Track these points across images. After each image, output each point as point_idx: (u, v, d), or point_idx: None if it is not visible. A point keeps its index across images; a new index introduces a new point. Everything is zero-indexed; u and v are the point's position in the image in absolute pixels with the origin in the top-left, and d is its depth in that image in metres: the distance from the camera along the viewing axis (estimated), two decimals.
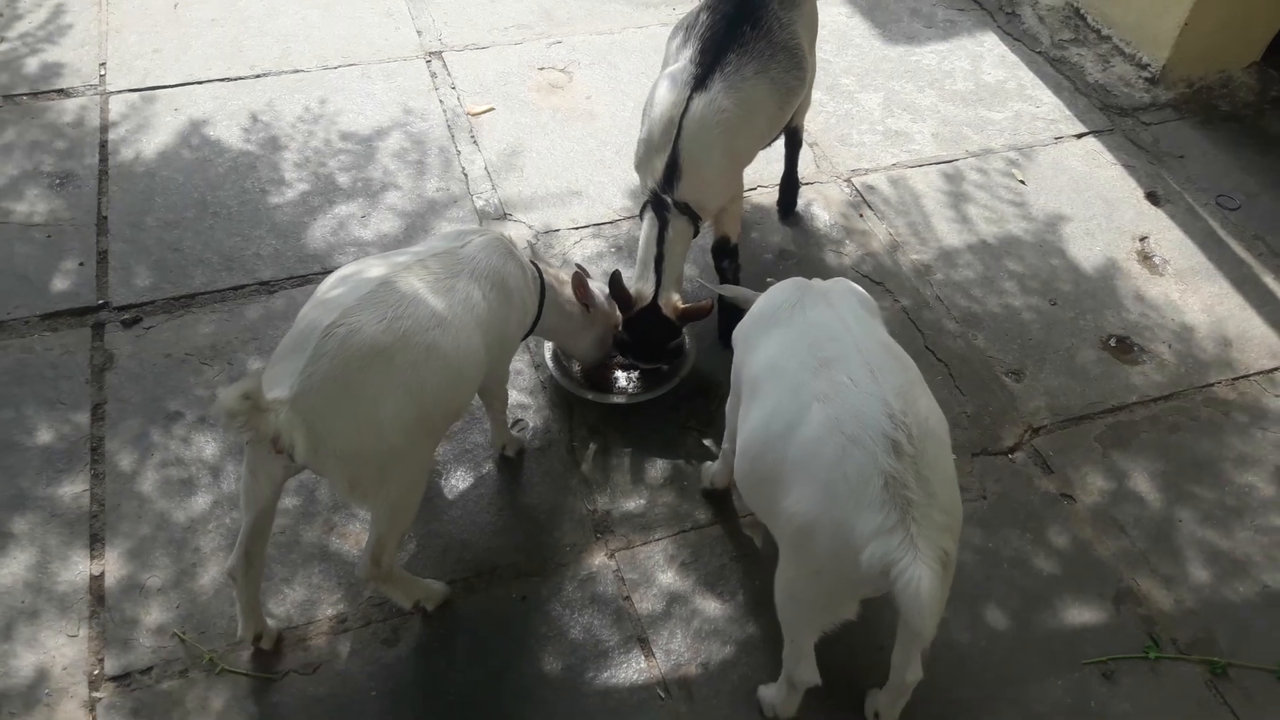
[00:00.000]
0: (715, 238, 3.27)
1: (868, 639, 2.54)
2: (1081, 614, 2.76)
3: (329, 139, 4.09)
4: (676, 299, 3.01)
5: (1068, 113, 4.44)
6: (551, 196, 3.93)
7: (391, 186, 3.91)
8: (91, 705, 2.49)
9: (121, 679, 2.55)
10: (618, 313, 3.01)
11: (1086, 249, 3.82)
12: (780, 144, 3.72)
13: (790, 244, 3.78)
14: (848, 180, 4.05)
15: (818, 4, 3.41)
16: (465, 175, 3.98)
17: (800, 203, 3.92)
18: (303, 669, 2.58)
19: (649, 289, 2.98)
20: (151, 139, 4.01)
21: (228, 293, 3.50)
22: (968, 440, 3.15)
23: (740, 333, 2.52)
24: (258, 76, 4.35)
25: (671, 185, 2.94)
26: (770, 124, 3.13)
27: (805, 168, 4.05)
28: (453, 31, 4.69)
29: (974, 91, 4.53)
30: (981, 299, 3.60)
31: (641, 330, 3.00)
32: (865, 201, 3.96)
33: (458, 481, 2.99)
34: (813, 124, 4.28)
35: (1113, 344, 3.47)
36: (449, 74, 4.45)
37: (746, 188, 3.89)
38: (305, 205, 3.80)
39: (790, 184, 3.84)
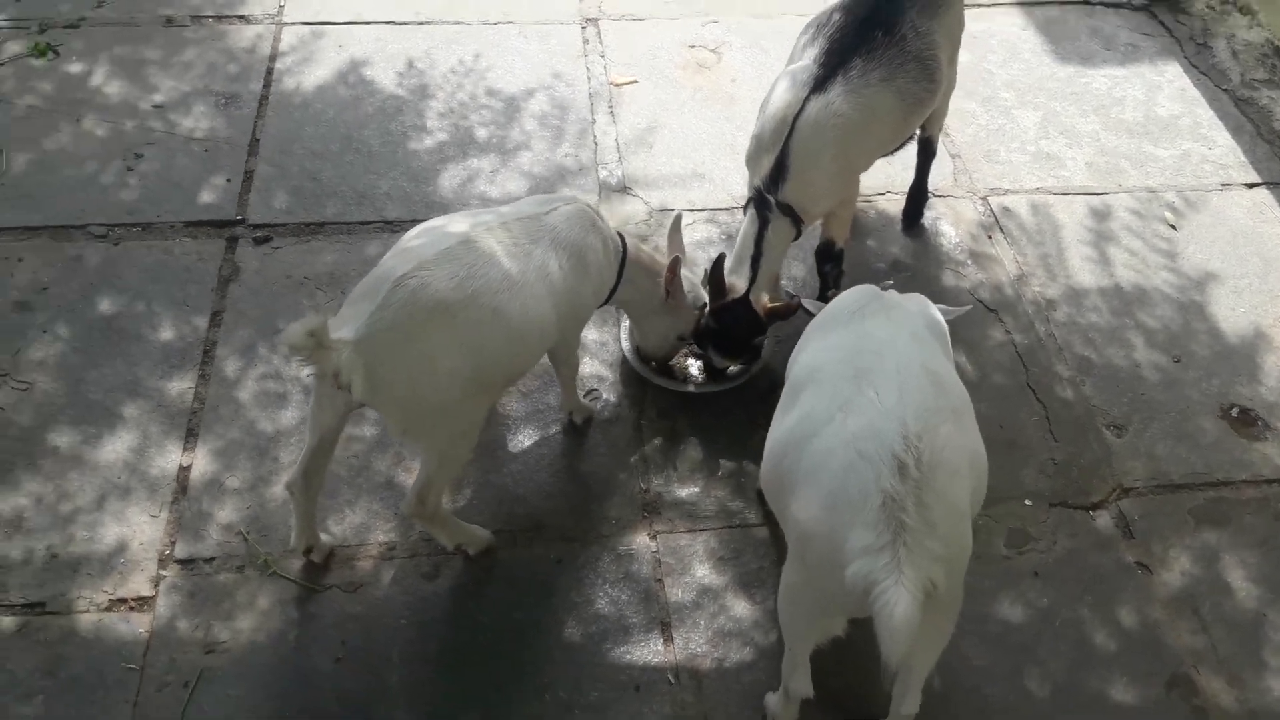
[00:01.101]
0: (821, 240, 3.22)
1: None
2: (1127, 692, 2.60)
3: (475, 93, 4.23)
4: (766, 298, 2.99)
5: (1243, 159, 4.10)
6: (675, 176, 3.94)
7: (525, 148, 4.00)
8: (156, 581, 2.72)
9: (187, 563, 2.76)
10: (695, 312, 3.00)
11: (1230, 310, 3.54)
12: (913, 151, 3.60)
13: (907, 257, 3.66)
14: (984, 199, 3.89)
15: (965, 12, 3.27)
16: (596, 145, 4.03)
17: (928, 216, 3.79)
18: (345, 586, 2.73)
19: (742, 284, 2.97)
20: (313, 72, 4.25)
21: (354, 226, 3.69)
22: (1049, 488, 3.00)
23: (806, 331, 2.49)
24: (420, 24, 4.52)
25: (777, 186, 2.91)
26: (892, 134, 3.05)
27: (942, 180, 3.91)
28: (613, 0, 4.74)
29: (1142, 123, 4.25)
30: (1101, 346, 3.40)
31: (729, 321, 2.99)
32: (998, 224, 3.79)
33: (523, 439, 3.07)
34: (960, 135, 4.12)
35: (1234, 414, 3.22)
36: (601, 42, 4.51)
37: (874, 192, 3.82)
38: (441, 154, 3.95)
39: (918, 194, 3.72)
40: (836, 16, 2.98)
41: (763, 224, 2.94)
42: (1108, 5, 4.89)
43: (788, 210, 2.93)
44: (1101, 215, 3.85)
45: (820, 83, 2.87)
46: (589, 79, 4.32)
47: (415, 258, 2.29)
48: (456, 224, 2.45)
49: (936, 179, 3.91)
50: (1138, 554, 2.88)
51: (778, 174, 2.89)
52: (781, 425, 2.20)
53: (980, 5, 4.81)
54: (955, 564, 1.91)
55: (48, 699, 2.50)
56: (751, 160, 3.01)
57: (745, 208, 3.02)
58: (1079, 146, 4.13)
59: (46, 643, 2.59)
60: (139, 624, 2.64)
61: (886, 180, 3.88)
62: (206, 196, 3.75)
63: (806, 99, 2.86)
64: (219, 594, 2.70)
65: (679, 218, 3.01)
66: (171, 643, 2.60)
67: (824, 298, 3.29)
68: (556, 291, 2.49)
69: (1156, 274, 3.64)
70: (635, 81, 4.35)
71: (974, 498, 2.09)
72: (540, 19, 4.60)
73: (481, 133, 4.06)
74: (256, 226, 3.66)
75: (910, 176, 3.75)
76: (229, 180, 3.81)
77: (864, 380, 2.03)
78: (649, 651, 2.63)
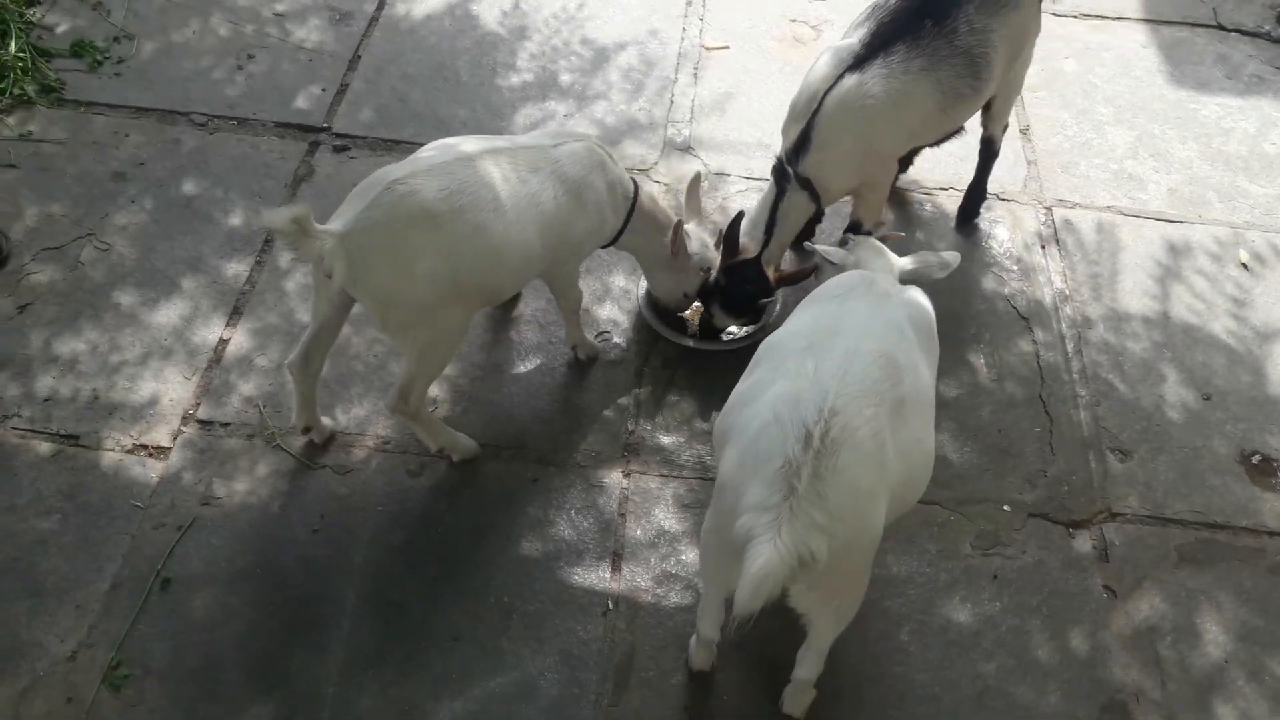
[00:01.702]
0: (851, 218, 3.23)
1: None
2: (1056, 708, 2.57)
3: (569, 40, 4.37)
4: (775, 265, 3.04)
5: None
6: (740, 144, 3.99)
7: (603, 98, 4.12)
8: (176, 435, 2.99)
9: (205, 424, 3.03)
10: (700, 273, 3.07)
11: None
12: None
13: (949, 249, 3.61)
14: (1049, 209, 3.80)
15: (1040, 18, 3.20)
16: (672, 103, 4.12)
17: (985, 217, 3.73)
18: (337, 468, 2.95)
19: (755, 246, 3.03)
20: (425, 1, 4.47)
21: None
22: (1032, 498, 2.96)
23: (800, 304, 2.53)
24: None
25: (798, 157, 2.94)
26: (925, 125, 3.02)
27: (1011, 184, 3.84)
28: None
29: (1244, 158, 4.04)
30: (1128, 374, 3.30)
31: (738, 280, 3.05)
32: (1056, 236, 3.70)
33: (528, 365, 3.22)
34: (1043, 142, 4.02)
35: (1255, 460, 3.08)
36: (704, 5, 4.57)
37: (936, 185, 3.78)
38: (522, 93, 4.11)
39: (975, 194, 3.66)
40: (891, 2, 2.97)
41: (779, 194, 2.98)
42: (1245, 33, 4.64)
43: (806, 184, 2.96)
44: (1171, 245, 3.70)
45: (859, 62, 2.88)
46: (682, 39, 4.40)
47: (412, 167, 2.46)
48: (468, 144, 2.59)
49: (1006, 182, 3.84)
50: (1108, 578, 2.82)
51: (800, 146, 2.93)
52: (737, 387, 2.27)
53: (1103, 16, 4.64)
54: (846, 541, 1.91)
55: (63, 518, 2.80)
56: (785, 128, 3.06)
57: (772, 173, 3.07)
58: (1167, 172, 3.97)
59: (73, 470, 2.90)
60: (152, 470, 2.92)
61: (952, 175, 3.84)
62: (301, 102, 4.02)
63: (841, 76, 2.87)
64: (226, 456, 2.96)
65: (698, 176, 3.07)
66: (175, 490, 2.88)
67: None
68: (545, 220, 2.61)
69: (1214, 315, 3.49)
70: (727, 47, 4.40)
71: (901, 490, 2.11)
72: None
73: (566, 78, 4.19)
74: (339, 135, 3.90)
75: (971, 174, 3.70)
76: (324, 90, 4.07)
77: (812, 353, 2.08)
78: (595, 577, 2.75)
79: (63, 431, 2.98)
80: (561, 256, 2.78)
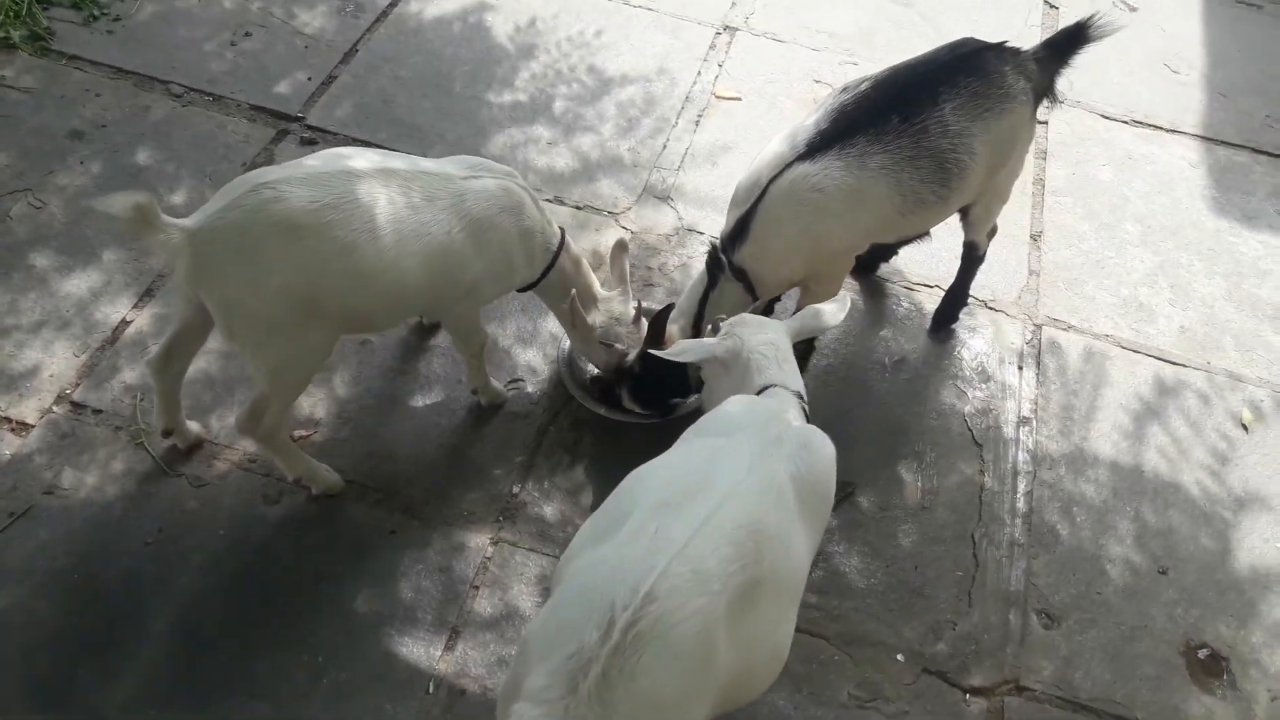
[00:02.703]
0: (797, 308, 2.94)
1: None
2: None
3: (575, 66, 4.17)
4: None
5: None
6: (723, 200, 3.67)
7: (592, 130, 3.91)
8: (44, 413, 2.84)
9: (78, 407, 2.88)
10: (603, 347, 2.81)
11: (1262, 543, 2.98)
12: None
13: (917, 358, 3.31)
14: (1038, 326, 3.45)
15: (1034, 127, 2.90)
16: (664, 148, 3.88)
17: (965, 323, 3.41)
18: (192, 479, 2.77)
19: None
20: (440, 4, 4.31)
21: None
22: (931, 653, 2.64)
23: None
24: None
25: (734, 246, 2.70)
26: (881, 226, 2.73)
27: (1005, 292, 3.52)
28: (764, 15, 4.54)
29: (1277, 306, 3.64)
30: (1078, 524, 2.95)
31: (652, 374, 2.78)
32: (1038, 358, 3.36)
33: (424, 401, 3.01)
34: (1052, 253, 3.69)
35: (1200, 654, 2.71)
36: (727, 52, 4.33)
37: (918, 280, 3.49)
38: (509, 114, 3.92)
39: (955, 298, 3.34)
40: (865, 87, 2.70)
41: (711, 283, 2.74)
42: None
43: (741, 275, 2.71)
44: (1165, 389, 3.33)
45: (812, 150, 2.60)
46: (694, 83, 4.16)
47: (288, 172, 2.27)
48: (360, 159, 2.40)
49: (999, 289, 3.52)
50: None
51: (738, 234, 2.68)
52: (594, 516, 1.93)
53: (1156, 126, 4.28)
54: None
55: None
56: (728, 213, 2.79)
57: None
58: (1183, 307, 3.60)
59: None
60: (8, 445, 2.77)
61: (942, 272, 3.52)
62: (283, 88, 3.88)
63: (791, 163, 2.60)
64: (86, 445, 2.80)
65: (620, 244, 2.84)
66: (22, 472, 2.72)
67: None
68: (431, 254, 2.39)
69: (1193, 472, 3.11)
70: (739, 99, 4.15)
71: (734, 690, 1.78)
72: (679, 14, 4.47)
73: (560, 105, 3.99)
74: (310, 128, 3.75)
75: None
76: (309, 79, 3.93)
77: (661, 511, 1.73)
78: (424, 652, 2.51)
79: None
80: (451, 296, 2.55)
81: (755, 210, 2.63)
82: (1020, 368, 3.32)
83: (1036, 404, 3.23)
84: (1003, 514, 2.94)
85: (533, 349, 3.17)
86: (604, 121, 3.95)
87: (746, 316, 2.32)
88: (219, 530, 2.67)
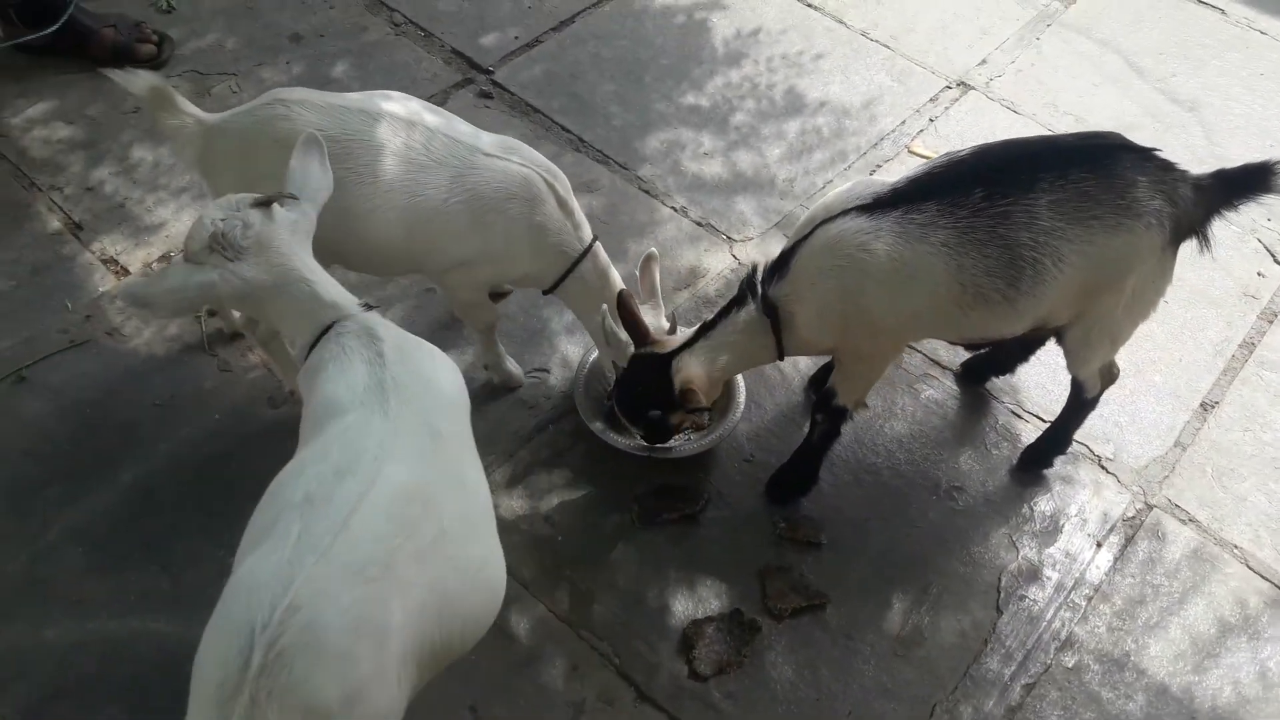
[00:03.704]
0: (827, 383, 2.62)
1: None
2: None
3: (774, 84, 3.99)
4: (701, 375, 2.46)
5: None
6: None
7: (757, 149, 3.73)
8: (145, 265, 3.16)
9: None
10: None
11: None
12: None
13: (980, 493, 2.86)
14: (1148, 506, 2.87)
15: (1163, 272, 2.40)
16: (822, 186, 3.63)
17: (1060, 471, 2.90)
18: (221, 363, 2.96)
19: (674, 341, 2.54)
20: None
21: (554, 125, 3.75)
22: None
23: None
24: (805, 5, 4.33)
25: (772, 277, 2.41)
26: (936, 316, 2.35)
27: (1135, 456, 2.96)
28: (1011, 81, 4.09)
29: None
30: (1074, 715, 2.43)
31: (634, 374, 2.55)
32: (1128, 540, 2.79)
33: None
34: (1222, 433, 3.04)
35: None
36: (947, 109, 3.96)
37: (1032, 409, 3.04)
38: (683, 115, 3.82)
39: (1053, 439, 2.85)
40: (964, 154, 2.34)
41: (737, 303, 2.47)
42: None
43: (771, 310, 2.40)
44: (1271, 614, 2.66)
45: (874, 206, 2.30)
46: (893, 131, 3.85)
47: (313, 96, 2.35)
48: (400, 105, 2.42)
49: (1129, 450, 2.98)
50: None
51: (779, 267, 2.39)
52: (249, 524, 1.72)
53: None
54: None
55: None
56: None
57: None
58: None
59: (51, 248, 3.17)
60: (103, 282, 3.11)
61: (1039, 403, 3.01)
62: (488, 40, 4.04)
63: (848, 210, 2.31)
64: None
65: (651, 257, 2.65)
66: (100, 309, 3.05)
67: (802, 449, 2.73)
68: (417, 216, 2.37)
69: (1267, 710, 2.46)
70: (931, 158, 3.77)
71: (438, 653, 1.67)
72: (917, 59, 4.14)
73: (739, 117, 3.84)
74: (494, 84, 3.88)
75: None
76: (516, 38, 4.06)
77: (305, 508, 1.58)
78: None
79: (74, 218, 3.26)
80: (438, 263, 2.52)
81: (798, 249, 2.35)
82: (1099, 544, 2.78)
83: (1098, 589, 2.69)
84: (985, 696, 2.48)
85: (575, 342, 3.08)
86: (776, 143, 3.75)
87: (228, 199, 1.92)
88: (215, 415, 2.84)
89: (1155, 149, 2.31)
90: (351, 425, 1.73)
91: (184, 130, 2.33)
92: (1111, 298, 2.39)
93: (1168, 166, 2.30)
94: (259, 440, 2.80)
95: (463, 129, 2.50)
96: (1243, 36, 4.37)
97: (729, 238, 3.44)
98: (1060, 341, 2.57)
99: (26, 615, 2.44)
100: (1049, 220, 2.22)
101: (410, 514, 1.63)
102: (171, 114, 2.31)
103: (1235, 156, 3.48)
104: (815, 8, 4.33)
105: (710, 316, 2.54)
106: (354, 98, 2.42)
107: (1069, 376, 2.72)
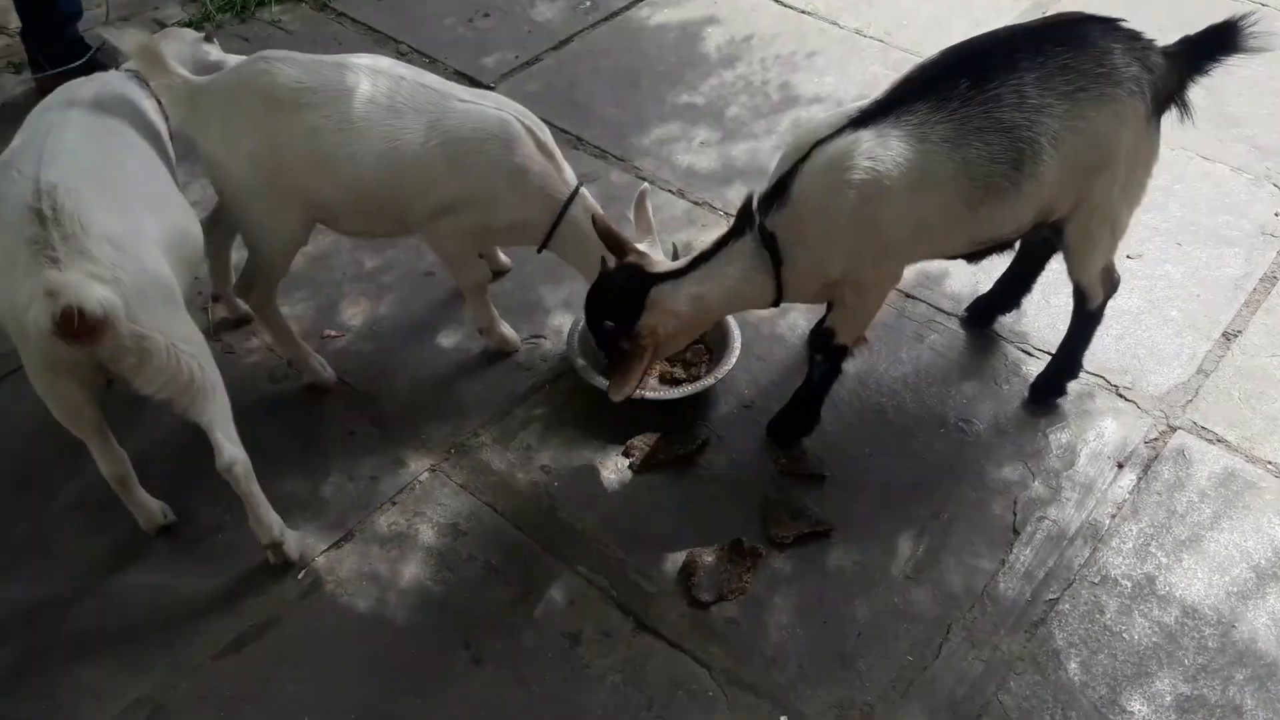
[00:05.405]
0: (824, 322, 2.52)
1: None
2: None
3: (768, 81, 4.06)
4: (679, 312, 2.34)
5: None
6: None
7: (751, 139, 3.77)
8: None
9: None
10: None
11: None
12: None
13: (991, 425, 2.76)
14: (1170, 429, 2.74)
15: (1157, 143, 2.35)
16: None
17: (1076, 402, 2.80)
18: (225, 346, 2.99)
19: (654, 255, 2.47)
20: (673, 12, 4.41)
21: (555, 130, 3.80)
22: None
23: None
24: (801, 12, 4.43)
25: (768, 206, 2.30)
26: (948, 222, 2.28)
27: (1154, 384, 2.85)
28: None
29: None
30: (1103, 664, 2.25)
31: (612, 282, 2.41)
32: (1149, 462, 2.66)
33: (450, 333, 3.03)
34: (1249, 358, 2.92)
35: None
36: None
37: (1041, 346, 2.93)
38: (678, 112, 3.89)
39: (1062, 365, 2.76)
40: (935, 56, 2.33)
41: (734, 234, 2.36)
42: None
43: (770, 241, 2.30)
44: None
45: (865, 118, 2.24)
46: None
47: (294, 55, 2.45)
48: (376, 60, 2.53)
49: (1147, 379, 2.87)
50: None
51: (776, 195, 2.27)
52: None
53: None
54: (138, 290, 2.01)
55: None
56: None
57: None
58: None
59: None
60: None
61: (1039, 336, 2.91)
62: (489, 61, 4.19)
63: (842, 129, 2.23)
64: None
65: (644, 193, 2.64)
66: None
67: (803, 390, 2.67)
68: (393, 160, 2.42)
69: None
70: None
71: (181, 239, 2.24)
72: (913, 50, 4.19)
73: (733, 111, 3.90)
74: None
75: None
76: (516, 58, 4.20)
77: (15, 159, 2.12)
78: (310, 543, 2.51)
79: None
80: (420, 209, 2.55)
81: (798, 172, 2.24)
82: (1120, 465, 2.65)
83: (1120, 510, 2.55)
84: (1006, 613, 2.34)
85: (571, 314, 3.08)
86: (770, 134, 3.79)
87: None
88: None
89: (1121, 19, 2.29)
90: (47, 117, 2.31)
91: (173, 90, 2.43)
92: (1107, 177, 2.32)
93: (1135, 35, 2.29)
94: (259, 411, 2.81)
95: (431, 79, 2.57)
96: None
97: (726, 214, 3.45)
98: (1062, 243, 2.49)
99: (27, 574, 2.45)
100: (1038, 97, 2.19)
101: (103, 138, 2.27)
102: (161, 73, 2.41)
103: None
104: (808, 13, 4.43)
105: (707, 246, 2.43)
106: (329, 59, 2.51)
107: (1072, 304, 2.65)
